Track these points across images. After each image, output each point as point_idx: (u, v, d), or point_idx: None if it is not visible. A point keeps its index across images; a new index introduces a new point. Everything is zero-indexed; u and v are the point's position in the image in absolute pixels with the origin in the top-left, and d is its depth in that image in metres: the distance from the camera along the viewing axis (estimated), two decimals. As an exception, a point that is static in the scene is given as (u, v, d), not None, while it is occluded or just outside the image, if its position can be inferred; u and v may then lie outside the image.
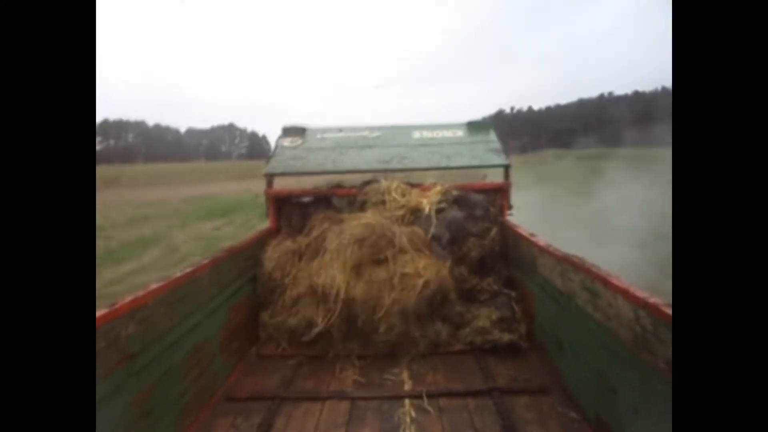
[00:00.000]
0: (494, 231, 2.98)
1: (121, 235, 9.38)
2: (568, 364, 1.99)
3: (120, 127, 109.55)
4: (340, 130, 3.98)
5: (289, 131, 3.87)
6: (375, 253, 2.65)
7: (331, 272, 2.57)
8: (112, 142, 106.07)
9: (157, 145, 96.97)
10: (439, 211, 3.05)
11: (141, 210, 12.61)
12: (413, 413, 1.91)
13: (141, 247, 8.46)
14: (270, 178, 3.40)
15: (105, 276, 6.51)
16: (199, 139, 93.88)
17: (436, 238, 2.91)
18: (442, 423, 1.87)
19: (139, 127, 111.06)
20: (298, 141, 3.75)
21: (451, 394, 2.07)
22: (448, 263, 2.77)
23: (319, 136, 3.86)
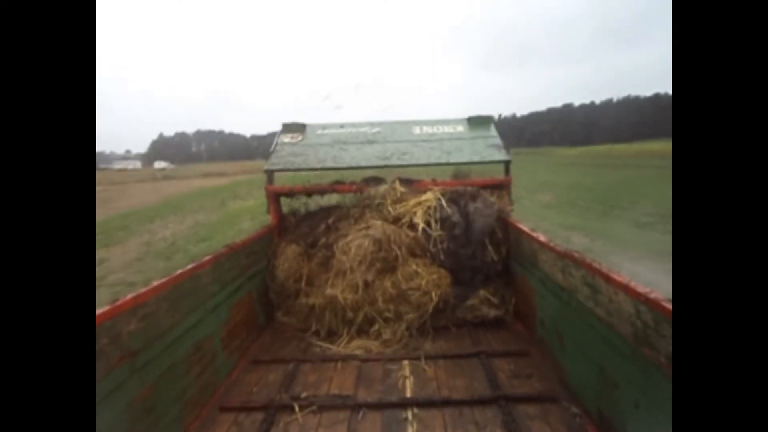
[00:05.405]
0: (493, 237, 2.63)
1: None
2: (570, 359, 1.77)
3: (209, 135, 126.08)
4: (341, 126, 3.42)
5: (288, 127, 3.33)
6: (382, 267, 2.44)
7: (342, 290, 2.39)
8: (203, 146, 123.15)
9: (233, 148, 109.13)
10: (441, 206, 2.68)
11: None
12: (411, 369, 2.02)
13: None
14: (270, 174, 2.94)
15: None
16: (259, 143, 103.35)
17: (432, 253, 2.55)
18: (436, 376, 1.92)
19: (219, 135, 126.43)
20: (297, 137, 3.23)
21: (445, 357, 2.10)
22: (449, 278, 2.50)
23: (318, 132, 3.32)
